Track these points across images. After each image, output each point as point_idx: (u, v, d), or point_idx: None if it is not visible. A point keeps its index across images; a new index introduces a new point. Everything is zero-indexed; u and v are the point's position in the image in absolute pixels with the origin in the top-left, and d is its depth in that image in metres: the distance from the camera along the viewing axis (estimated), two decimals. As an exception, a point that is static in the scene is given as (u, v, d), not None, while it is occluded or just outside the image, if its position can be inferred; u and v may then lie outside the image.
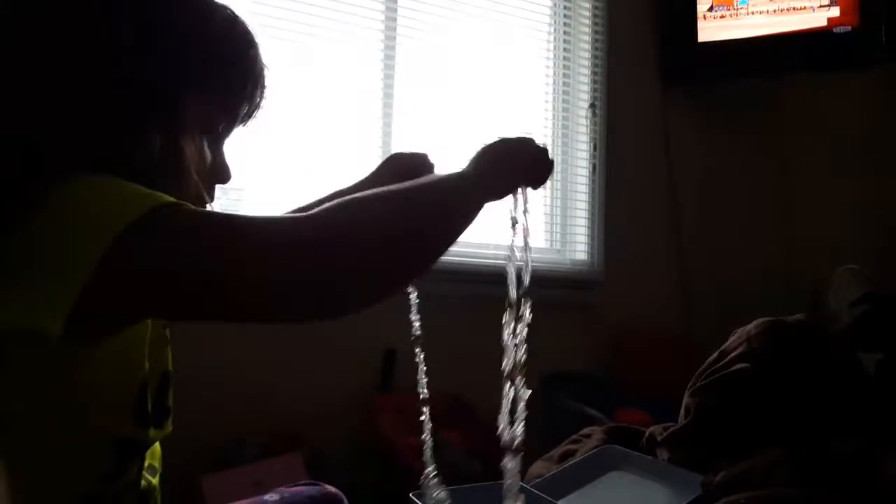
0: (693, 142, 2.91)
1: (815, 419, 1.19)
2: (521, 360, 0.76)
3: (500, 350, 0.77)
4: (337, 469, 2.15)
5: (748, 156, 3.00)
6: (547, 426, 2.48)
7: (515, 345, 0.76)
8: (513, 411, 0.75)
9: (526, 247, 0.78)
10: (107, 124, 0.60)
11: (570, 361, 2.65)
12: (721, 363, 1.28)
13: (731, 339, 1.34)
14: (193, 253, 0.53)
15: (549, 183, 0.80)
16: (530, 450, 1.60)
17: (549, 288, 2.59)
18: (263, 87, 0.75)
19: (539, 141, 0.80)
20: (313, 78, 2.23)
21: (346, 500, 1.11)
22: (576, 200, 2.70)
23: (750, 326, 1.32)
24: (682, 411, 1.27)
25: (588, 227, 2.72)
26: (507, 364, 0.76)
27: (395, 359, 2.22)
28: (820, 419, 1.19)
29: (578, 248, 2.71)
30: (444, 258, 0.66)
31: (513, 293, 0.77)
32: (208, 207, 0.71)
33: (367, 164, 1.87)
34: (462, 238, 0.69)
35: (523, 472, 1.48)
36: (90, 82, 0.60)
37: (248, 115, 0.75)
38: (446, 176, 0.72)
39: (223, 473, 1.96)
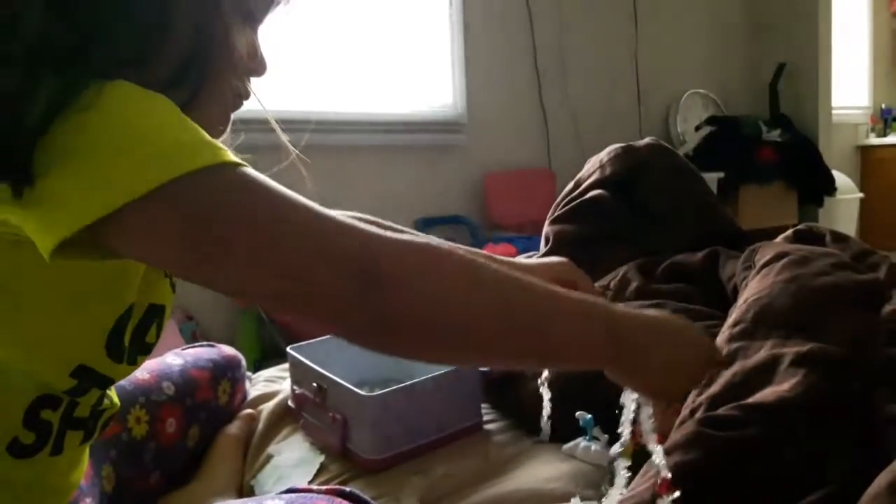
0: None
1: (664, 235, 1.28)
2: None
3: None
4: (215, 332, 2.16)
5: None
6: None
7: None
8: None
9: None
10: (137, 14, 0.51)
11: (441, 205, 2.71)
12: (577, 191, 1.34)
13: (586, 167, 1.39)
14: (235, 215, 0.45)
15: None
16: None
17: (415, 133, 2.61)
18: None
19: None
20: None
21: (244, 361, 1.11)
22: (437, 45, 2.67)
23: (602, 154, 1.37)
24: (542, 240, 1.33)
25: (451, 69, 2.72)
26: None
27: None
28: (668, 235, 1.28)
29: (443, 92, 2.72)
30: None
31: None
32: (244, 105, 0.62)
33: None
34: None
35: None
36: None
37: None
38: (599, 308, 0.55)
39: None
